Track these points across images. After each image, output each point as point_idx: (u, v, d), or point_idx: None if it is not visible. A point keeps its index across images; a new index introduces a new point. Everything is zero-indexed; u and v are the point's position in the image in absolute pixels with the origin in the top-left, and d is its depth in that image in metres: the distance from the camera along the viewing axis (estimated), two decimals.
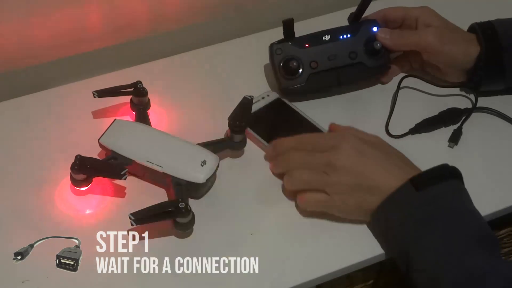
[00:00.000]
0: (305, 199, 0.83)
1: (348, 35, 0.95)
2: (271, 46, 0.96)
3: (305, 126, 0.92)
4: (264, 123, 0.93)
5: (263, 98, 0.95)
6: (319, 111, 0.96)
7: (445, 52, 0.93)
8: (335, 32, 0.96)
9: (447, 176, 0.79)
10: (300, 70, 0.94)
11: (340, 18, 1.00)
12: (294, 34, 0.95)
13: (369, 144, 0.83)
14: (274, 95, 0.96)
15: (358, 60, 0.95)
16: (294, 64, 0.93)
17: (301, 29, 0.96)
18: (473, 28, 0.95)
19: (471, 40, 0.93)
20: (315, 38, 0.95)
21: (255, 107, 0.93)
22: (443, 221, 0.76)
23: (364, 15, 0.97)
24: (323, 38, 0.95)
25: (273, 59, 0.95)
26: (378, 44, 0.94)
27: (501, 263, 0.75)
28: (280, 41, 0.96)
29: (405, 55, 0.99)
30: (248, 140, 0.90)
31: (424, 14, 0.95)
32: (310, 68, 0.94)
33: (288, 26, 0.94)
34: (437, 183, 0.78)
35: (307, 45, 0.95)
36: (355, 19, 0.97)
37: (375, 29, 0.95)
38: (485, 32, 0.92)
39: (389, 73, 0.99)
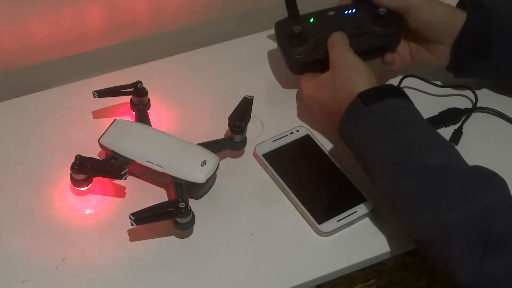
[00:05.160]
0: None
1: (353, 10, 0.94)
2: (276, 24, 0.95)
3: (328, 167, 0.89)
4: (284, 159, 0.89)
5: (291, 133, 0.92)
6: None
7: (429, 10, 0.91)
8: (339, 8, 0.95)
9: (395, 93, 0.83)
10: (307, 40, 0.92)
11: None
12: (296, 5, 0.94)
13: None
14: (303, 131, 0.92)
15: (365, 30, 0.93)
16: (300, 32, 0.91)
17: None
18: (461, 3, 0.93)
19: (457, 9, 0.92)
20: (319, 14, 0.94)
21: (280, 142, 0.91)
22: (391, 134, 0.79)
23: None
24: (328, 14, 0.94)
25: (279, 35, 0.94)
26: (383, 10, 0.91)
27: (462, 160, 0.78)
28: (284, 19, 0.95)
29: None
30: (248, 140, 0.90)
31: None
32: (316, 39, 0.92)
33: None
34: (384, 99, 0.81)
35: (311, 20, 0.94)
36: None
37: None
38: (472, 1, 0.91)
39: (397, 60, 0.96)
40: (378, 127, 0.80)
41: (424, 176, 0.76)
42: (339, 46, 0.89)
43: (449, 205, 0.73)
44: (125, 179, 0.81)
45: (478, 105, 0.96)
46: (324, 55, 0.90)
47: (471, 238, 0.71)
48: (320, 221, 0.83)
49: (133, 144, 0.86)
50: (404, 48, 0.96)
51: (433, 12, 0.91)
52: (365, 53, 0.92)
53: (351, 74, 0.86)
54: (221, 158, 0.88)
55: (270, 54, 1.03)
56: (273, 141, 0.91)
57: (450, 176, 0.75)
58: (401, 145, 0.79)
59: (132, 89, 0.92)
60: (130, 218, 0.78)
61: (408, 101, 0.84)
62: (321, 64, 0.91)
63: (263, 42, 1.04)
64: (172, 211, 0.79)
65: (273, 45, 1.03)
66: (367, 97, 0.82)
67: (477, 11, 0.90)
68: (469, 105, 0.97)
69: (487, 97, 0.97)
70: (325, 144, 0.91)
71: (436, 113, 0.95)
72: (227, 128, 0.88)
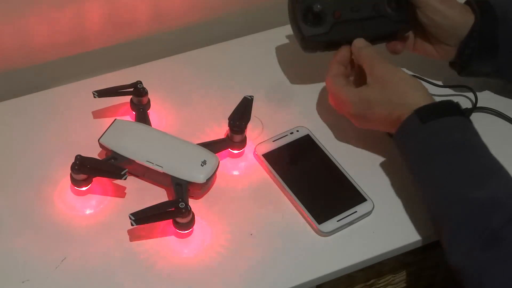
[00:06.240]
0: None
1: None
2: None
3: (328, 167, 0.89)
4: (284, 159, 0.90)
5: (291, 133, 0.92)
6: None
7: (441, 11, 0.90)
8: None
9: (453, 111, 0.81)
10: (324, 19, 0.90)
11: None
12: None
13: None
14: (303, 131, 0.92)
15: (382, 13, 0.92)
16: (318, 7, 0.89)
17: None
18: (468, 2, 0.93)
19: (467, 9, 0.91)
20: None
21: (280, 142, 0.91)
22: (444, 156, 0.78)
23: None
24: None
25: (293, 7, 0.91)
26: None
27: (507, 194, 0.75)
28: None
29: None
30: (248, 140, 0.90)
31: None
32: (333, 18, 0.90)
33: None
34: (442, 116, 0.80)
35: None
36: None
37: None
38: (479, 3, 0.91)
39: (405, 42, 0.96)
40: (432, 147, 0.79)
41: (470, 207, 0.74)
42: (373, 56, 0.86)
43: (489, 240, 0.71)
44: (125, 179, 0.82)
45: (478, 105, 0.96)
46: (341, 36, 0.90)
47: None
48: (320, 221, 0.83)
49: (133, 144, 0.86)
50: (410, 37, 0.95)
51: (444, 13, 0.90)
52: (379, 38, 0.93)
53: (407, 89, 0.83)
54: (221, 158, 0.88)
55: (270, 54, 1.03)
56: (273, 141, 0.91)
57: (496, 210, 0.72)
58: (453, 171, 0.77)
59: (132, 89, 0.92)
60: (130, 218, 0.78)
61: (466, 119, 0.82)
62: (336, 45, 0.91)
63: (263, 42, 1.04)
64: (172, 211, 0.79)
65: (273, 45, 1.03)
66: (425, 114, 0.80)
67: (486, 14, 0.89)
68: (469, 105, 0.97)
69: (487, 97, 0.97)
70: (325, 144, 0.91)
71: None
72: (227, 128, 0.88)
